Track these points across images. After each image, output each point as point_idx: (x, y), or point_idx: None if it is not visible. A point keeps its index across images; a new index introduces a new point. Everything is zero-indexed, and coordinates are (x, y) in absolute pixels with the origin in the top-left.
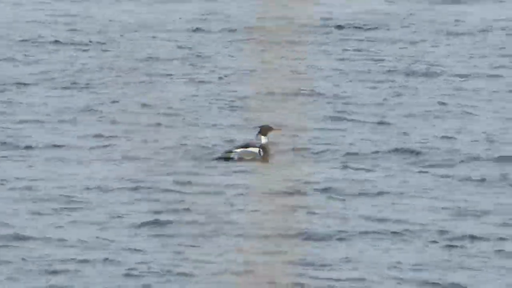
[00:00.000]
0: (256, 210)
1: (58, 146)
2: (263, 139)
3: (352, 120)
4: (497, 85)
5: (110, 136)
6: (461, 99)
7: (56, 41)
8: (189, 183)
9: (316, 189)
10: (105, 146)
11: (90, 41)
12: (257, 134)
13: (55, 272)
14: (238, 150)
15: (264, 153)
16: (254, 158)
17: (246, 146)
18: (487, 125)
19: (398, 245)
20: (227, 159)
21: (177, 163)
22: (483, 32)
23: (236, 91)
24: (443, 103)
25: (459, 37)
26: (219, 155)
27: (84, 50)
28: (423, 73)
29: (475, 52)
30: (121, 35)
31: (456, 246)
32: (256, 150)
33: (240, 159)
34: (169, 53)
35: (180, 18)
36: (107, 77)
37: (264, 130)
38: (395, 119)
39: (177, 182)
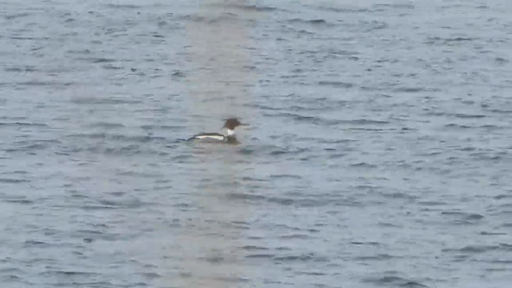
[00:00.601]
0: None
1: None
2: (229, 132)
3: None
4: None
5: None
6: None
7: None
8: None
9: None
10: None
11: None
12: (223, 127)
13: None
14: (202, 136)
15: (230, 142)
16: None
17: (211, 134)
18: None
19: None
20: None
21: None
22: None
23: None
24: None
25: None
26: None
27: None
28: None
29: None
30: None
31: None
32: (221, 138)
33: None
34: None
35: None
36: None
37: (230, 123)
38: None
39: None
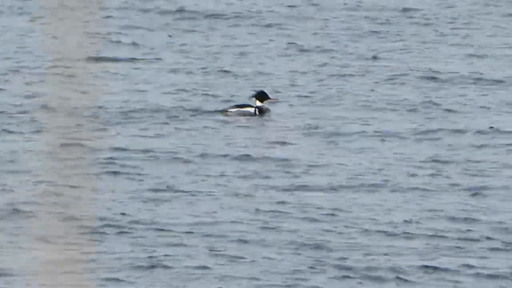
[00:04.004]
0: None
1: None
2: (258, 103)
3: None
4: None
5: None
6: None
7: None
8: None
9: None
10: None
11: None
12: (251, 97)
13: None
14: (233, 109)
15: (261, 114)
16: (250, 117)
17: (242, 106)
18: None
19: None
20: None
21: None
22: None
23: None
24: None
25: None
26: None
27: None
28: None
29: None
30: None
31: None
32: (252, 109)
33: (235, 117)
34: None
35: None
36: None
37: (260, 96)
38: None
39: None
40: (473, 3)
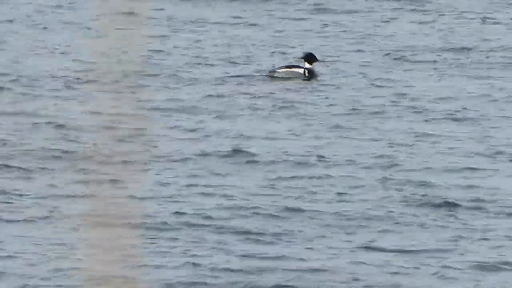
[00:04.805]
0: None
1: None
2: (307, 65)
3: None
4: None
5: None
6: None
7: None
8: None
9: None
10: None
11: None
12: (299, 58)
13: None
14: (282, 70)
15: (311, 75)
16: (299, 78)
17: (291, 66)
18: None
19: None
20: (271, 77)
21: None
22: None
23: None
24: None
25: None
26: (262, 73)
27: None
28: None
29: None
30: None
31: None
32: (301, 70)
33: (284, 78)
34: None
35: None
36: None
37: (308, 58)
38: None
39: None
40: None
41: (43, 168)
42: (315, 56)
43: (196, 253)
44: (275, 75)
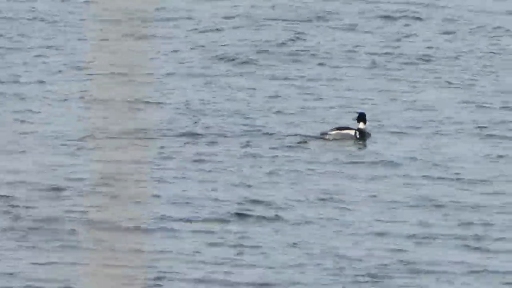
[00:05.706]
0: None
1: None
2: (361, 125)
3: None
4: None
5: None
6: None
7: None
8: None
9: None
10: None
11: None
12: (354, 119)
13: None
14: (333, 132)
15: (361, 136)
16: (350, 139)
17: (342, 128)
18: None
19: None
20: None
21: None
22: None
23: None
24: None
25: None
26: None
27: None
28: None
29: None
30: None
31: None
32: (352, 132)
33: (335, 140)
34: None
35: None
36: None
37: (361, 117)
38: None
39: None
40: None
41: None
42: (366, 116)
43: None
44: (326, 137)
